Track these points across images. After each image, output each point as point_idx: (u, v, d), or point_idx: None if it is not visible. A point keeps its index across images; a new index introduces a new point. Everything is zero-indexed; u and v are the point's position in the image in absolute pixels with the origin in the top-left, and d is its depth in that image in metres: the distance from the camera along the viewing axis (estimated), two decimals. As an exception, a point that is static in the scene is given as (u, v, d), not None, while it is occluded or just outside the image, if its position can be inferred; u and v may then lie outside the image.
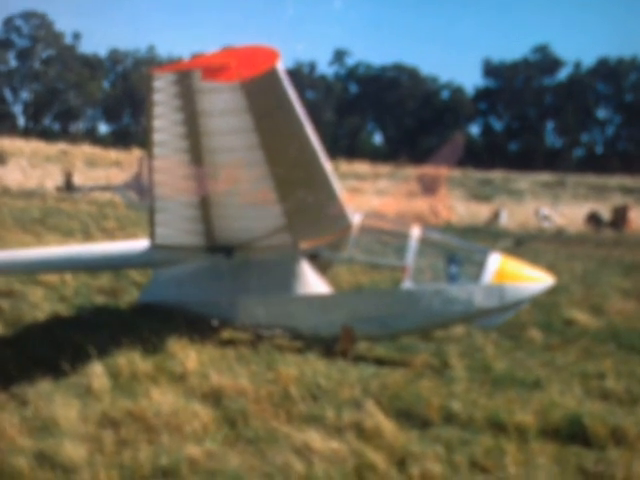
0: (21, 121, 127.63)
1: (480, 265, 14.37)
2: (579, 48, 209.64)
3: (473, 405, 11.04)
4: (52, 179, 52.23)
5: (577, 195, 68.82)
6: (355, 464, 9.05)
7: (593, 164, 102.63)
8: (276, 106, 12.20)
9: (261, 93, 11.89)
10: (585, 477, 9.11)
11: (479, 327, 15.11)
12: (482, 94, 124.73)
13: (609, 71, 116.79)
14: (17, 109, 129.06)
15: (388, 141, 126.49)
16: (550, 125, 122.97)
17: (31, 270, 16.69)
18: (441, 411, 10.76)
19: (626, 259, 29.61)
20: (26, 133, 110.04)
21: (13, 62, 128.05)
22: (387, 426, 10.04)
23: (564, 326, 17.11)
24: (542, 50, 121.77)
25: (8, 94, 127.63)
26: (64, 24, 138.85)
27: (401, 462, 9.16)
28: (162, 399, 10.70)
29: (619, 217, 43.14)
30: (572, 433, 10.18)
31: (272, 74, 11.63)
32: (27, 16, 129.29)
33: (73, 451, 9.03)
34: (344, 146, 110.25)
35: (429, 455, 9.27)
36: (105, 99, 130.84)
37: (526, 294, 14.42)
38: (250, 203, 13.90)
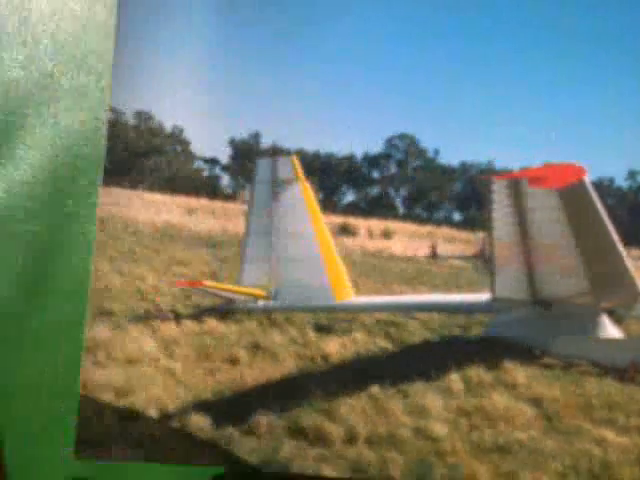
0: (400, 210, 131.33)
1: None
2: None
3: None
4: (422, 250, 52.84)
5: None
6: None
7: None
8: (583, 208, 12.26)
9: (571, 198, 12.01)
10: None
11: None
12: None
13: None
14: (397, 201, 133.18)
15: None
16: None
17: (409, 309, 17.49)
18: None
19: None
20: (404, 218, 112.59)
21: (393, 169, 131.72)
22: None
23: None
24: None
25: (391, 191, 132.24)
26: (427, 142, 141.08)
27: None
28: (499, 399, 10.94)
29: None
30: None
31: (580, 185, 11.73)
32: (401, 137, 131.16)
33: (439, 429, 9.59)
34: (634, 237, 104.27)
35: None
36: (457, 197, 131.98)
37: None
38: (563, 273, 13.92)
